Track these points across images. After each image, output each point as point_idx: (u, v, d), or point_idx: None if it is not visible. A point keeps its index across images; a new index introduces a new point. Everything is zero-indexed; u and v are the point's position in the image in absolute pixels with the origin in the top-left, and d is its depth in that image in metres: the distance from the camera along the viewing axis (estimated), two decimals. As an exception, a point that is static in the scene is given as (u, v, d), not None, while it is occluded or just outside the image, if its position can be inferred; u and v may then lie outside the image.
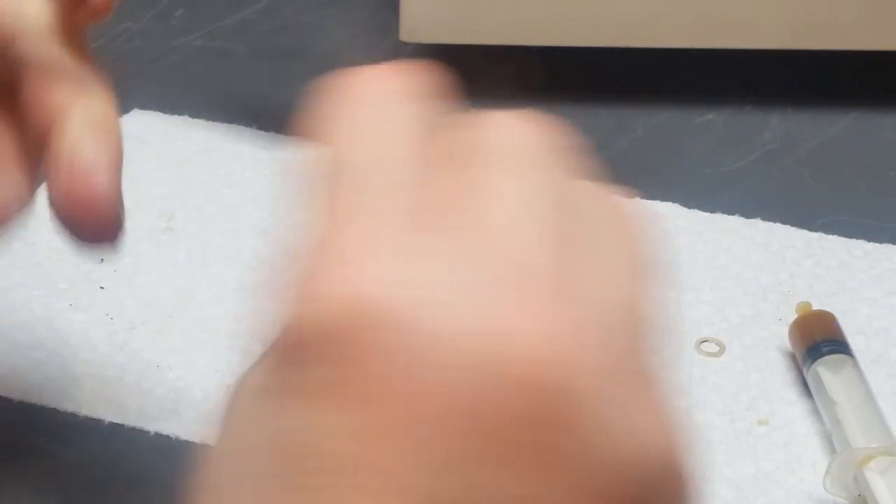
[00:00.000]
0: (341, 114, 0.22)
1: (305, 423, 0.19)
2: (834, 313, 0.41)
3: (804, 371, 0.40)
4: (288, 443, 0.19)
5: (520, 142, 0.22)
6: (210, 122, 0.54)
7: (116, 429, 0.38)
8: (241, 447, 0.20)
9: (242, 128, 0.54)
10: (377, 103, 0.22)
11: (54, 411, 0.38)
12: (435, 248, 0.19)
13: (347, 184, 0.21)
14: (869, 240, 0.48)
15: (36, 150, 0.30)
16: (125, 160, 0.52)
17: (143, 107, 0.55)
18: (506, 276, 0.18)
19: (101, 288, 0.43)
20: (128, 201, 0.48)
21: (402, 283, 0.18)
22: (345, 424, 0.18)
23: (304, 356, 0.19)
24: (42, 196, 0.30)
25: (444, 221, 0.19)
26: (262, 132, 0.53)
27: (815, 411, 0.39)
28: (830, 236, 0.48)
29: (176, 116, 0.54)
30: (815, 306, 0.42)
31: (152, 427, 0.38)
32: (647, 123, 0.55)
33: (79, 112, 0.29)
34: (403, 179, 0.20)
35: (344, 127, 0.22)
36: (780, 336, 0.42)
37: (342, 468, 0.18)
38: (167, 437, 0.38)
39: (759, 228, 0.48)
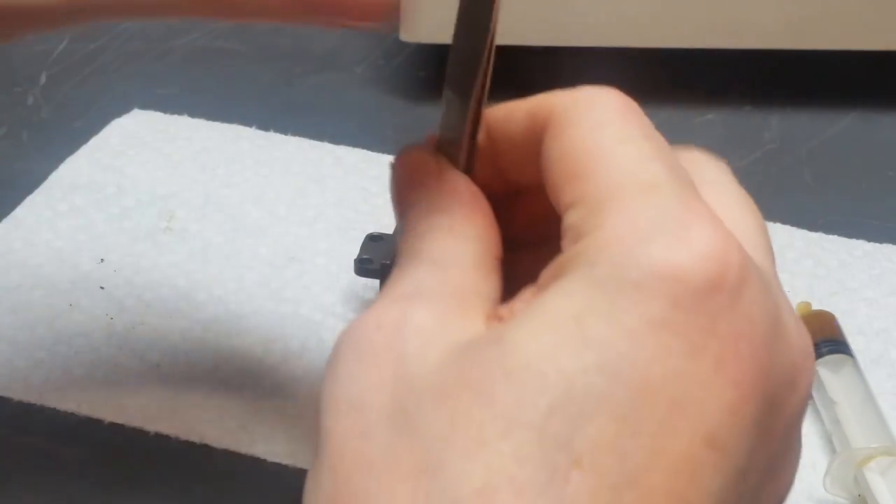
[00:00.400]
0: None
1: (653, 357, 0.21)
2: (834, 313, 0.41)
3: (804, 371, 0.40)
4: (623, 371, 0.21)
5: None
6: (210, 122, 0.54)
7: (116, 429, 0.38)
8: (557, 368, 0.21)
9: (242, 128, 0.54)
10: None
11: (54, 411, 0.38)
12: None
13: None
14: (869, 240, 0.48)
15: None
16: (124, 160, 0.52)
17: (143, 107, 0.55)
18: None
19: (102, 288, 0.43)
20: (128, 201, 0.48)
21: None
22: (691, 371, 0.21)
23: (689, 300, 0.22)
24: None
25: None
26: (262, 132, 0.53)
27: (815, 411, 0.39)
28: (830, 236, 0.48)
29: (176, 116, 0.54)
30: (815, 306, 0.42)
31: (152, 427, 0.38)
32: (647, 123, 0.55)
33: None
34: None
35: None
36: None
37: (677, 410, 0.21)
38: (167, 437, 0.38)
39: (760, 228, 0.48)
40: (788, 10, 0.53)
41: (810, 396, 0.24)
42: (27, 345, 0.41)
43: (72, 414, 0.38)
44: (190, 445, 0.37)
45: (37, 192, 0.49)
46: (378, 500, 0.21)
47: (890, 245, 0.47)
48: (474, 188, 0.27)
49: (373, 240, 0.42)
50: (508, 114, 0.27)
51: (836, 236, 0.48)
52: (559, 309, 0.22)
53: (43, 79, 0.58)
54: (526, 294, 0.24)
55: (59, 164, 0.51)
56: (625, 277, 0.22)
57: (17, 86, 0.57)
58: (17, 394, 0.39)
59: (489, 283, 0.25)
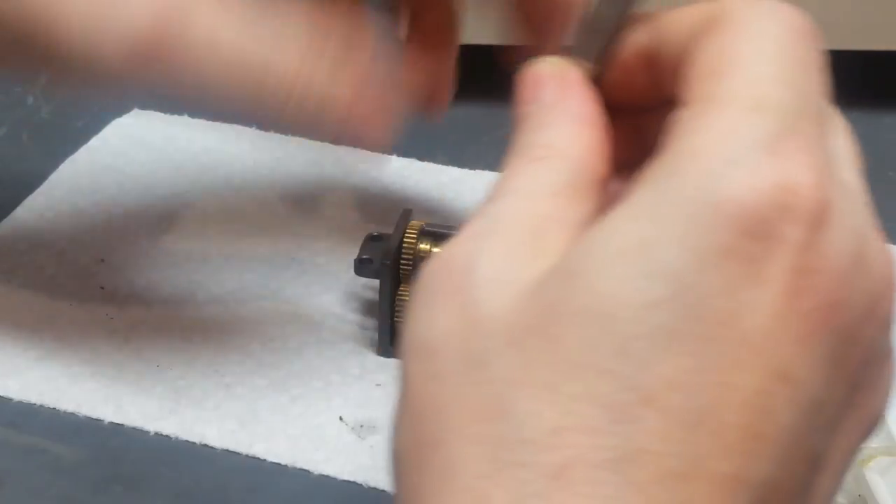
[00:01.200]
0: None
1: (723, 289, 0.21)
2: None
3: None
4: (692, 305, 0.21)
5: None
6: (210, 122, 0.54)
7: (116, 429, 0.38)
8: (624, 304, 0.21)
9: (242, 128, 0.54)
10: None
11: (54, 411, 0.38)
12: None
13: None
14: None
15: None
16: (124, 160, 0.52)
17: (143, 107, 0.55)
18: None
19: (102, 288, 0.43)
20: (128, 201, 0.48)
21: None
22: (762, 304, 0.21)
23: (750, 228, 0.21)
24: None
25: None
26: (262, 132, 0.53)
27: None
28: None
29: (176, 116, 0.54)
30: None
31: (152, 427, 0.38)
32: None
33: None
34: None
35: None
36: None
37: (747, 344, 0.21)
38: (166, 436, 0.38)
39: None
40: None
41: (892, 323, 0.23)
42: (27, 344, 0.41)
43: (72, 414, 0.38)
44: (189, 445, 0.37)
45: (37, 192, 0.49)
46: (449, 442, 0.22)
47: (890, 245, 0.47)
48: (591, 103, 0.26)
49: (373, 240, 0.42)
50: (683, 14, 0.26)
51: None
52: (630, 232, 0.22)
53: (43, 79, 0.58)
54: (606, 214, 0.23)
55: (59, 164, 0.51)
56: (702, 200, 0.21)
57: (17, 86, 0.57)
58: (17, 393, 0.39)
59: (578, 207, 0.25)
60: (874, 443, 0.36)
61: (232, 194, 0.49)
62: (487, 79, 0.57)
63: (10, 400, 0.39)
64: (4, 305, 0.42)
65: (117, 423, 0.38)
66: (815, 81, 0.24)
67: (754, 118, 0.22)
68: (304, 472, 0.37)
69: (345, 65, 0.34)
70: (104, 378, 0.39)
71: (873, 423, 0.24)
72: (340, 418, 0.38)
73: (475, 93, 0.55)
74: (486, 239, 0.24)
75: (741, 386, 0.21)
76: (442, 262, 0.24)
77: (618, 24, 0.28)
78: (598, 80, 0.28)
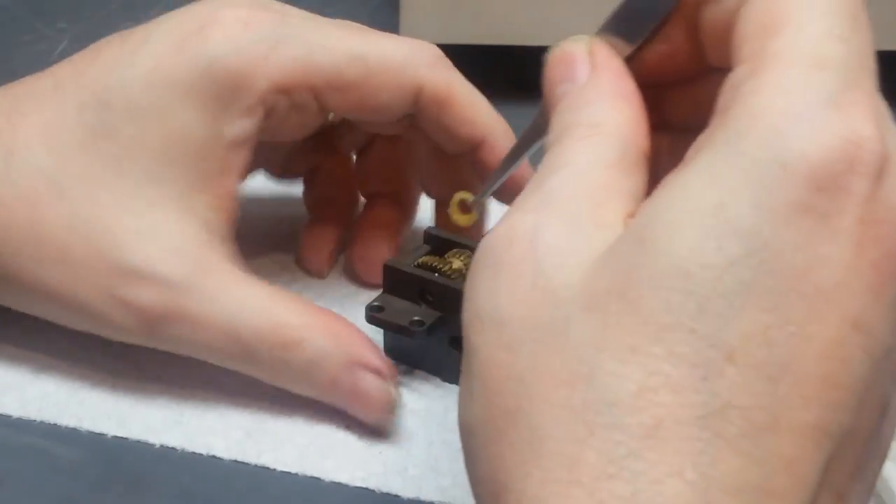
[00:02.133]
0: None
1: (797, 244, 0.22)
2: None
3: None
4: (769, 260, 0.21)
5: None
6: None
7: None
8: (702, 264, 0.22)
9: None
10: None
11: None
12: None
13: None
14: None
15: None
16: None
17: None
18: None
19: None
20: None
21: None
22: (834, 256, 0.22)
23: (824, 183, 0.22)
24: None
25: None
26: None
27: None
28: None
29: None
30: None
31: (157, 440, 0.38)
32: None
33: None
34: None
35: None
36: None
37: (823, 296, 0.21)
38: (173, 448, 0.37)
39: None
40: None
41: None
42: (22, 358, 0.40)
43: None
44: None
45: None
46: (533, 409, 0.22)
47: None
48: (626, 80, 0.27)
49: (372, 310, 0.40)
50: None
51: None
52: (700, 196, 0.22)
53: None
54: (663, 183, 0.24)
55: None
56: (769, 158, 0.22)
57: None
58: (16, 410, 0.38)
59: (630, 179, 0.25)
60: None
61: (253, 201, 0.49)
62: (487, 79, 0.57)
63: (10, 416, 0.38)
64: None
65: (121, 437, 0.38)
66: (865, 35, 0.24)
67: (815, 74, 0.23)
68: (316, 480, 0.37)
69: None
70: (104, 391, 0.39)
71: None
72: (346, 425, 0.38)
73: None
74: (547, 211, 0.24)
75: (818, 337, 0.22)
76: (501, 235, 0.25)
77: (665, 4, 0.28)
78: (629, 58, 0.29)
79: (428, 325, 0.38)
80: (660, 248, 0.22)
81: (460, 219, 0.38)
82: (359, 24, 0.40)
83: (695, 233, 0.22)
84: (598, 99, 0.27)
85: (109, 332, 0.37)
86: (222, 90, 0.36)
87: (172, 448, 0.37)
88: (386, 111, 0.39)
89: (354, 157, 0.46)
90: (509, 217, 0.25)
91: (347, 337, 0.37)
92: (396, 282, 0.40)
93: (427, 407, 0.39)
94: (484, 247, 0.25)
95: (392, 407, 0.37)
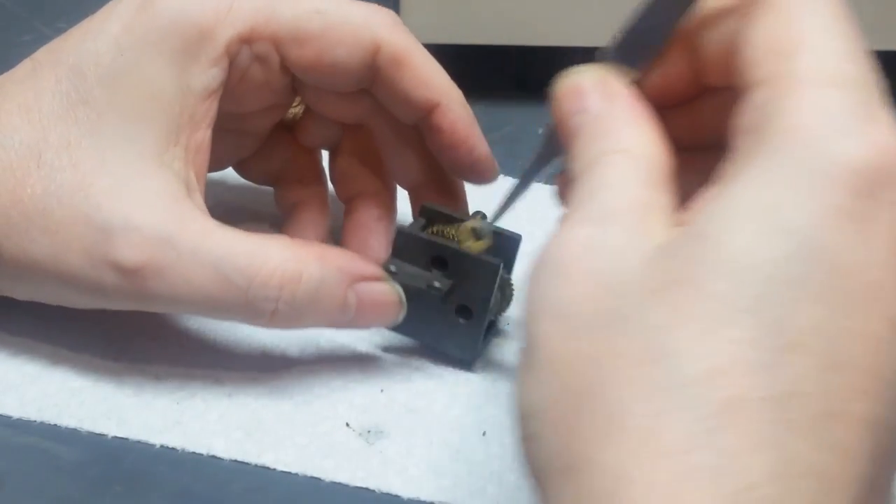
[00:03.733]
0: None
1: (844, 245, 0.23)
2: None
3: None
4: (821, 258, 0.23)
5: None
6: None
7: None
8: (762, 258, 0.24)
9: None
10: None
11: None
12: None
13: None
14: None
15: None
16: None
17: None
18: None
19: None
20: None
21: None
22: (876, 257, 0.24)
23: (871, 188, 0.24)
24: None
25: None
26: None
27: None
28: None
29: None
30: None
31: (157, 440, 0.38)
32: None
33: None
34: None
35: None
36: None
37: (870, 294, 0.23)
38: (173, 448, 0.37)
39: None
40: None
41: None
42: (21, 359, 0.40)
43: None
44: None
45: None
46: (609, 388, 0.24)
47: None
48: (639, 104, 0.29)
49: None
50: (721, 7, 0.29)
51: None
52: (753, 200, 0.24)
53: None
54: (707, 194, 0.26)
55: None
56: (814, 167, 0.24)
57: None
58: (15, 410, 0.38)
59: (665, 195, 0.27)
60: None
61: (230, 201, 0.49)
62: (487, 79, 0.57)
63: (10, 417, 0.38)
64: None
65: (121, 437, 0.38)
66: (864, 54, 0.26)
67: (843, 92, 0.25)
68: (316, 480, 0.37)
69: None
70: (104, 391, 0.39)
71: None
72: (347, 424, 0.38)
73: (475, 93, 0.55)
74: (601, 224, 0.27)
75: (866, 333, 0.23)
76: (561, 244, 0.27)
77: (667, 30, 0.30)
78: (636, 83, 0.30)
79: (446, 290, 0.39)
80: (722, 243, 0.24)
81: (473, 246, 0.39)
82: None
83: (753, 230, 0.24)
84: (620, 126, 0.29)
85: (101, 300, 0.37)
86: (188, 42, 0.37)
87: (172, 448, 0.37)
88: (343, 69, 0.39)
89: (328, 170, 0.46)
90: (565, 231, 0.27)
91: (339, 258, 0.38)
92: (408, 248, 0.40)
93: (427, 406, 0.39)
94: (542, 256, 0.27)
95: (403, 301, 0.39)
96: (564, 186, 0.33)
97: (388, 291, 0.38)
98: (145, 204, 0.36)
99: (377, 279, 0.38)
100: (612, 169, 0.28)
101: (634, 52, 0.31)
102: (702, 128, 0.32)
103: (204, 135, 0.38)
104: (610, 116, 0.29)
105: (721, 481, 0.22)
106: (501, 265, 0.39)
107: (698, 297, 0.24)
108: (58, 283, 0.37)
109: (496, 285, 0.39)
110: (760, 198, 0.24)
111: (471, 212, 0.43)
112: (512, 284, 0.41)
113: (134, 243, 0.35)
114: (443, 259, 0.39)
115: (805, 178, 0.24)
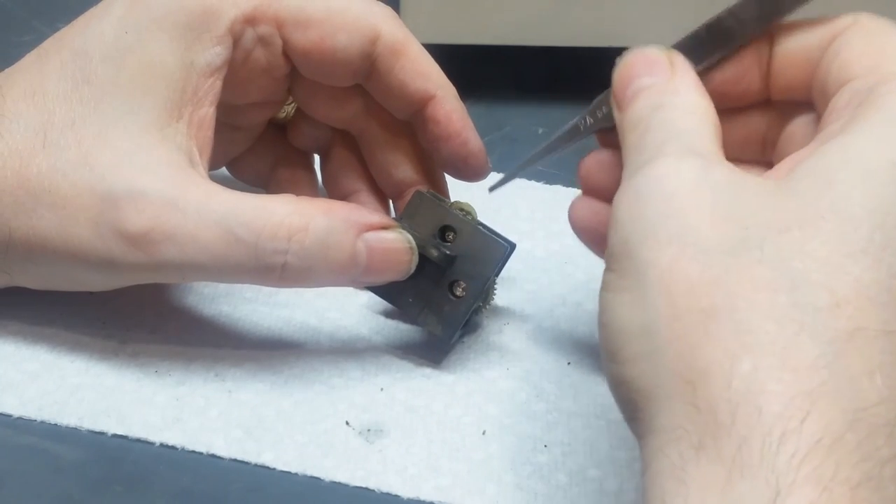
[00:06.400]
0: None
1: None
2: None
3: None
4: None
5: None
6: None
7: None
8: (884, 209, 0.27)
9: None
10: None
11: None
12: None
13: None
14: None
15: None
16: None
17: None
18: None
19: (91, 294, 0.41)
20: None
21: None
22: None
23: None
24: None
25: None
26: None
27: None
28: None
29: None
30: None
31: (157, 438, 0.38)
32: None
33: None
34: None
35: None
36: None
37: None
38: (173, 447, 0.37)
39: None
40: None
41: None
42: (19, 356, 0.40)
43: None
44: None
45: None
46: (736, 307, 0.26)
47: None
48: (700, 83, 0.32)
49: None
50: (804, 24, 0.33)
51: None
52: (872, 155, 0.27)
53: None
54: (803, 153, 0.30)
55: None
56: None
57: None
58: (15, 409, 0.38)
59: (723, 157, 0.30)
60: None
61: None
62: (487, 79, 0.57)
63: (10, 416, 0.38)
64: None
65: (121, 436, 0.38)
66: None
67: None
68: (315, 480, 0.37)
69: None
70: (103, 388, 0.39)
71: None
72: (347, 423, 0.38)
73: (475, 93, 0.55)
74: (701, 159, 0.29)
75: None
76: (664, 176, 0.29)
77: (746, 34, 0.33)
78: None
79: (452, 255, 0.39)
80: (848, 190, 0.27)
81: None
82: None
83: (876, 182, 0.27)
84: (687, 90, 0.32)
85: (112, 275, 0.37)
86: (193, 19, 0.38)
87: (172, 447, 0.37)
88: (343, 56, 0.40)
89: (320, 175, 0.46)
90: (662, 165, 0.29)
91: (345, 209, 0.38)
92: (420, 212, 0.40)
93: (427, 405, 0.39)
94: (648, 181, 0.29)
95: (414, 248, 0.38)
96: (593, 166, 0.37)
97: (399, 239, 0.38)
98: (148, 172, 0.36)
99: (386, 227, 0.38)
100: (688, 117, 0.31)
101: (702, 49, 0.34)
102: (736, 140, 0.36)
103: (207, 111, 0.38)
104: (681, 81, 0.32)
105: (843, 399, 0.25)
106: (514, 247, 0.39)
107: (825, 236, 0.26)
108: (68, 260, 0.37)
109: (501, 267, 0.39)
110: (882, 155, 0.27)
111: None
112: (495, 288, 0.41)
113: (139, 209, 0.35)
114: (451, 230, 0.40)
115: None
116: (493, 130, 0.53)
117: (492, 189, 0.41)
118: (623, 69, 0.33)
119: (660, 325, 0.27)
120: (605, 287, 0.30)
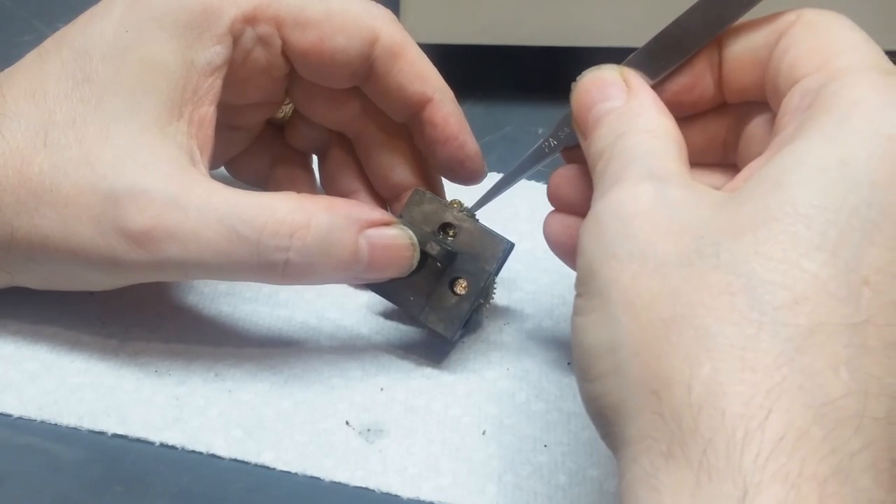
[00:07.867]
0: None
1: None
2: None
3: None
4: (890, 209, 0.27)
5: None
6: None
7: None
8: (837, 206, 0.27)
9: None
10: None
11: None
12: None
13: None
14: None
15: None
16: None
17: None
18: None
19: (91, 294, 0.41)
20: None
21: None
22: None
23: None
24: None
25: None
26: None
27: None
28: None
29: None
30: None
31: (157, 438, 0.38)
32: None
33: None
34: None
35: None
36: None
37: None
38: (173, 447, 0.37)
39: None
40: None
41: None
42: (19, 357, 0.40)
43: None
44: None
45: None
46: (695, 314, 0.26)
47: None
48: (658, 100, 0.33)
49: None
50: (749, 25, 0.33)
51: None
52: (825, 156, 0.27)
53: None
54: (756, 163, 0.30)
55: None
56: (880, 132, 0.27)
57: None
58: (14, 409, 0.38)
59: (688, 172, 0.31)
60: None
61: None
62: (487, 79, 0.57)
63: (10, 416, 0.38)
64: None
65: (121, 436, 0.38)
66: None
67: (886, 77, 0.29)
68: (314, 479, 0.37)
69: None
70: (103, 388, 0.39)
71: None
72: (347, 423, 0.38)
73: (475, 93, 0.55)
74: (658, 181, 0.29)
75: None
76: (623, 200, 0.29)
77: (695, 44, 0.34)
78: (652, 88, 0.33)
79: (453, 252, 0.39)
80: (799, 190, 0.27)
81: None
82: None
83: (827, 181, 0.27)
84: (646, 111, 0.32)
85: (114, 274, 0.37)
86: (192, 18, 0.38)
87: (172, 447, 0.37)
88: (342, 58, 0.40)
89: (318, 176, 0.46)
90: (620, 190, 0.30)
91: (346, 206, 0.38)
92: (421, 210, 0.40)
93: (427, 405, 0.39)
94: (603, 211, 0.30)
95: (416, 244, 0.39)
96: (560, 183, 0.37)
97: (400, 235, 0.38)
98: (150, 170, 0.36)
99: (387, 224, 0.38)
100: (649, 141, 0.31)
101: (654, 63, 0.34)
102: (697, 146, 0.35)
103: (207, 110, 0.38)
104: (638, 104, 0.32)
105: (806, 395, 0.25)
106: (513, 246, 0.40)
107: (779, 236, 0.26)
108: (70, 259, 0.37)
109: (501, 265, 0.39)
110: (832, 155, 0.27)
111: None
112: (495, 286, 0.41)
113: (141, 207, 0.35)
114: (451, 227, 0.40)
115: (872, 141, 0.27)
116: (492, 130, 0.53)
117: (473, 209, 0.41)
118: (580, 95, 0.34)
119: (625, 340, 0.28)
120: (575, 311, 0.30)
